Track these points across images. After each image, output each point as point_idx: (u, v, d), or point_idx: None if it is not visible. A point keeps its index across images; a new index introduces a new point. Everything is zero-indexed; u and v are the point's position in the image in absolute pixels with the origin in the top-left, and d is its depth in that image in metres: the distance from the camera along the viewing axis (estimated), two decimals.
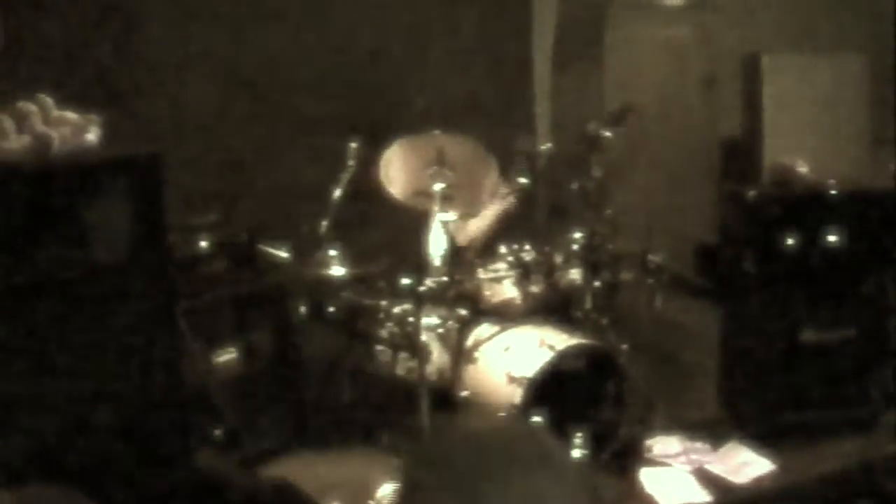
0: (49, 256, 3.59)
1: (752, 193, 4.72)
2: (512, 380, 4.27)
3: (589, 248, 4.85)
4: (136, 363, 3.67)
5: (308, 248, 4.71)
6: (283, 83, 5.79)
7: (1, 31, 4.63)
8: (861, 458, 4.54)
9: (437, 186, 4.75)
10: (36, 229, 3.59)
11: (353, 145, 4.89)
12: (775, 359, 4.70)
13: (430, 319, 4.60)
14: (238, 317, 4.74)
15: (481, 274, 4.78)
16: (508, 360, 4.39)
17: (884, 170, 4.94)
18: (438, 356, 4.61)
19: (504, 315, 4.71)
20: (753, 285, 4.70)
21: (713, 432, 4.66)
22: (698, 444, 4.57)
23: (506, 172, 5.07)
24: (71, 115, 3.89)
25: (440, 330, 4.63)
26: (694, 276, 6.49)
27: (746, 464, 4.45)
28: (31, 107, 3.84)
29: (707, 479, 4.35)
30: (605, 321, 4.86)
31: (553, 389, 4.28)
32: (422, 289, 4.55)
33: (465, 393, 4.52)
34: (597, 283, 4.84)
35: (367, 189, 4.95)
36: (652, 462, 4.45)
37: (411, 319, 4.57)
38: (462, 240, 5.02)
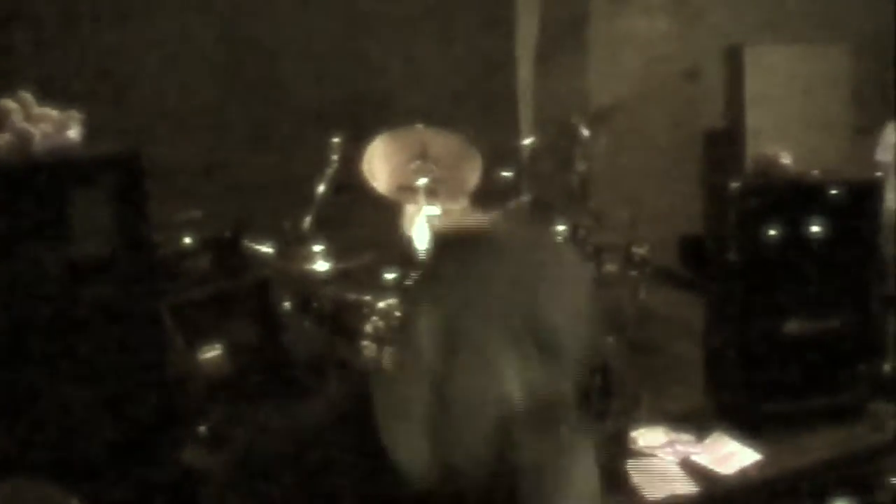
0: (30, 253, 3.58)
1: (735, 185, 4.72)
2: None
3: (573, 240, 4.85)
4: (120, 360, 3.66)
5: (292, 244, 4.71)
6: (267, 80, 5.79)
7: None
8: (846, 448, 4.55)
9: (421, 181, 4.75)
10: (17, 226, 3.58)
11: (337, 140, 4.89)
12: (760, 350, 4.70)
13: None
14: (223, 313, 4.73)
15: None
16: None
17: (867, 160, 4.95)
18: None
19: None
20: (737, 276, 4.70)
21: (698, 423, 4.66)
22: (684, 436, 4.57)
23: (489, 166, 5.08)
24: (52, 112, 3.88)
25: None
26: (678, 267, 6.50)
27: (732, 454, 4.45)
28: (11, 104, 3.83)
29: (693, 470, 4.35)
30: None
31: None
32: (406, 283, 4.55)
33: None
34: None
35: (350, 184, 4.95)
36: (638, 453, 4.45)
37: (396, 314, 4.57)
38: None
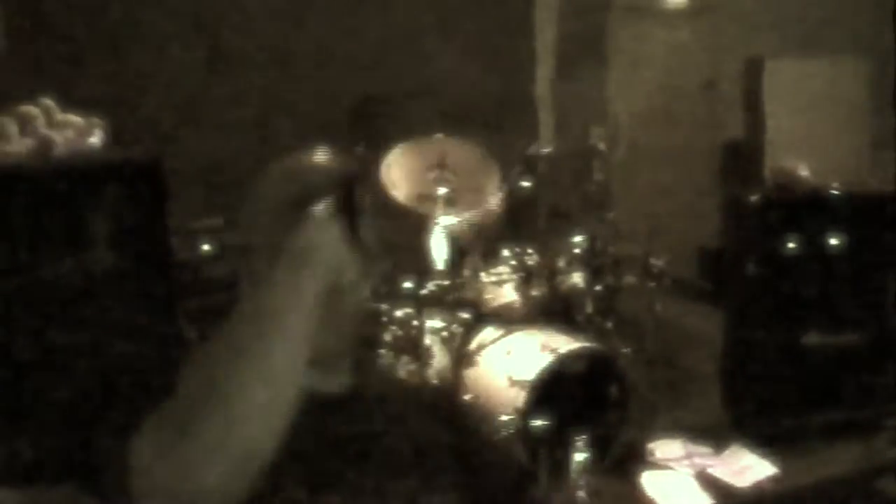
0: (51, 259, 3.59)
1: (753, 197, 4.72)
2: (513, 383, 4.27)
3: (591, 251, 4.85)
4: (138, 367, 3.67)
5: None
6: (287, 88, 5.80)
7: (3, 34, 4.64)
8: (864, 463, 4.53)
9: (440, 190, 4.75)
10: (38, 232, 3.59)
11: (357, 150, 4.90)
12: (778, 362, 4.69)
13: (431, 323, 4.60)
14: None
15: (483, 277, 4.78)
16: (510, 363, 4.38)
17: (885, 172, 4.94)
18: (440, 360, 4.61)
19: (505, 319, 4.71)
20: (755, 289, 4.69)
21: (715, 436, 4.64)
22: (700, 448, 4.56)
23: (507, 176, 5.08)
24: (74, 118, 3.90)
25: (442, 333, 4.64)
26: (696, 279, 6.49)
27: (748, 467, 4.44)
28: (34, 110, 3.85)
29: (709, 483, 4.34)
30: (606, 325, 4.86)
31: (555, 393, 4.28)
32: (423, 292, 4.55)
33: (466, 396, 4.52)
34: (598, 287, 4.84)
35: (369, 193, 4.95)
36: (654, 466, 4.44)
37: (413, 323, 4.57)
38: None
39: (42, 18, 5.05)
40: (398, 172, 4.98)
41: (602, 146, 5.02)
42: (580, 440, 4.04)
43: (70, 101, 3.88)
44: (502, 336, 4.57)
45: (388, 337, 4.73)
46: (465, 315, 4.72)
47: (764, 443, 4.55)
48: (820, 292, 4.71)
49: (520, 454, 4.22)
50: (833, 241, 4.66)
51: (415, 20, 6.20)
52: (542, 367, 4.26)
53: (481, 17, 6.46)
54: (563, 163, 5.09)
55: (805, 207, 4.69)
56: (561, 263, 4.84)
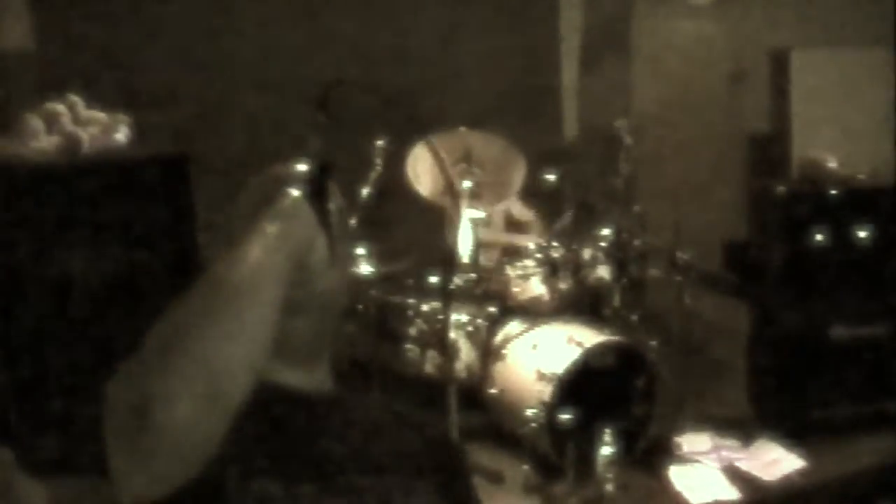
0: (77, 255, 3.61)
1: (780, 189, 4.70)
2: (541, 377, 4.27)
3: (617, 244, 4.84)
4: None
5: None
6: (313, 82, 5.80)
7: (31, 32, 4.67)
8: (892, 455, 4.51)
9: (465, 184, 4.74)
10: (65, 228, 3.61)
11: (380, 144, 4.89)
12: (805, 355, 4.67)
13: (458, 317, 4.61)
14: None
15: (509, 271, 4.77)
16: (537, 357, 4.38)
17: None
18: (467, 354, 4.61)
19: (532, 312, 4.70)
20: (783, 281, 4.68)
21: (743, 429, 4.64)
22: (728, 441, 4.56)
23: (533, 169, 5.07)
24: (100, 115, 3.92)
25: (469, 327, 4.64)
26: (723, 272, 6.47)
27: (776, 461, 4.43)
28: (60, 107, 3.88)
29: (737, 477, 4.33)
30: (633, 318, 4.85)
31: (582, 386, 4.27)
32: (450, 286, 4.55)
33: (493, 390, 4.52)
34: (625, 280, 4.83)
35: (394, 187, 4.95)
36: (681, 459, 4.43)
37: (440, 317, 4.58)
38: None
39: (68, 16, 5.07)
40: (423, 166, 4.98)
41: (627, 139, 5.00)
42: (607, 434, 4.04)
43: (96, 97, 3.90)
44: (528, 329, 4.57)
45: (413, 331, 4.74)
46: (492, 309, 4.72)
47: (792, 436, 4.53)
48: (847, 284, 4.69)
49: (546, 448, 4.22)
50: (860, 233, 4.64)
51: (440, 14, 6.19)
52: (569, 360, 4.25)
53: (505, 10, 6.45)
54: (588, 156, 5.08)
55: (832, 199, 4.66)
56: (587, 256, 4.83)
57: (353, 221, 1.64)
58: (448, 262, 4.63)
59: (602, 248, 4.85)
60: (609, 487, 4.02)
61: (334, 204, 1.69)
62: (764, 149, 5.81)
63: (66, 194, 3.62)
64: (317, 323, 1.70)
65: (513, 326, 4.65)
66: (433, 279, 4.66)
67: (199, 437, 1.43)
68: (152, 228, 3.74)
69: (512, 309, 4.75)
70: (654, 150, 5.87)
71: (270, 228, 1.55)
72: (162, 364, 1.43)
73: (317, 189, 1.64)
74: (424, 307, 4.73)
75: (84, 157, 3.80)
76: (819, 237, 4.61)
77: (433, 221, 5.01)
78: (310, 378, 1.72)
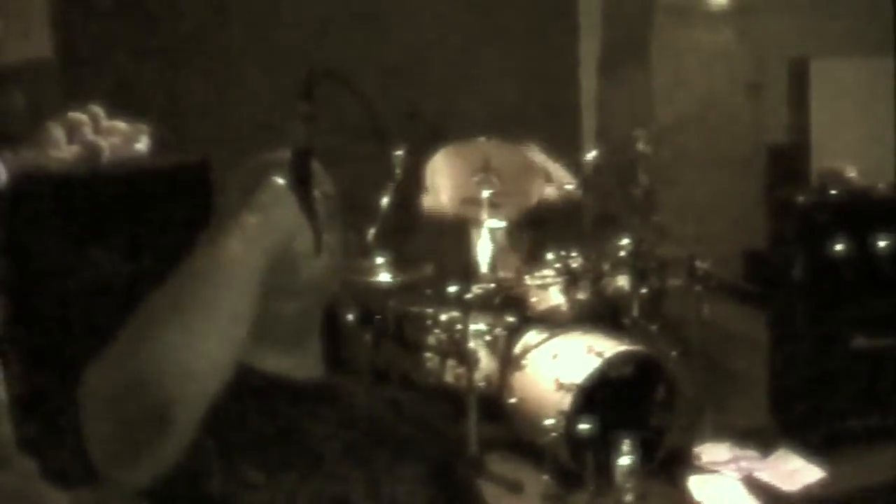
0: (99, 264, 3.62)
1: (800, 199, 4.69)
2: (560, 386, 4.26)
3: (636, 254, 4.84)
4: None
5: (356, 256, 4.72)
6: (328, 94, 5.82)
7: (50, 42, 4.69)
8: None
9: (484, 193, 4.75)
10: (86, 237, 3.62)
11: (399, 154, 4.90)
12: (825, 366, 4.66)
13: (477, 326, 4.61)
14: None
15: (528, 281, 4.77)
16: (557, 366, 4.38)
17: None
18: (486, 363, 4.61)
19: (551, 322, 4.70)
20: (803, 291, 4.67)
21: (763, 440, 4.62)
22: (748, 452, 4.54)
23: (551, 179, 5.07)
24: (121, 125, 3.94)
25: (488, 337, 4.64)
26: (742, 282, 6.46)
27: (796, 471, 4.41)
28: (81, 116, 3.90)
29: (756, 487, 4.32)
30: (653, 328, 4.85)
31: (601, 396, 4.27)
32: (469, 296, 4.56)
33: (513, 400, 4.52)
34: (644, 290, 4.83)
35: (414, 197, 4.96)
36: (701, 469, 4.42)
37: (459, 326, 4.58)
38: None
39: (90, 25, 5.10)
40: (442, 176, 4.99)
41: (647, 149, 5.00)
42: (626, 444, 4.03)
43: (118, 107, 3.91)
44: (548, 339, 4.57)
45: (433, 341, 4.74)
46: (511, 318, 4.72)
47: (812, 446, 4.52)
48: (868, 294, 4.67)
49: (565, 458, 4.22)
50: (881, 243, 4.62)
51: (460, 24, 6.20)
52: (589, 370, 4.25)
53: (525, 21, 6.45)
54: (608, 166, 5.08)
55: (852, 209, 4.65)
56: (606, 266, 4.83)
57: (337, 208, 1.66)
58: (467, 271, 4.65)
59: (621, 257, 4.85)
60: (628, 497, 4.02)
61: (320, 191, 1.71)
62: (784, 158, 5.81)
63: (87, 204, 3.64)
64: (305, 309, 1.73)
65: (532, 336, 4.65)
66: (452, 288, 4.66)
67: (176, 423, 1.45)
68: (173, 237, 3.75)
69: (531, 318, 4.75)
70: (674, 160, 5.87)
71: (251, 219, 1.57)
72: (137, 352, 1.45)
73: (300, 176, 1.66)
74: (444, 316, 4.73)
75: (105, 166, 3.82)
76: (839, 247, 4.59)
77: (452, 231, 5.02)
78: (298, 364, 1.74)
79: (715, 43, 6.88)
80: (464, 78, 6.20)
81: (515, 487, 4.34)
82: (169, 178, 3.85)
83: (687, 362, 4.78)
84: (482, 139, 5.00)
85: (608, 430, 4.16)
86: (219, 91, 5.51)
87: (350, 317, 4.82)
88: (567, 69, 6.71)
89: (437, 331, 4.74)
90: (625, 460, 4.02)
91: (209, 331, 1.47)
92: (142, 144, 4.03)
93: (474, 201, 4.80)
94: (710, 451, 4.52)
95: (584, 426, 4.13)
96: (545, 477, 4.27)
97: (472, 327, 4.56)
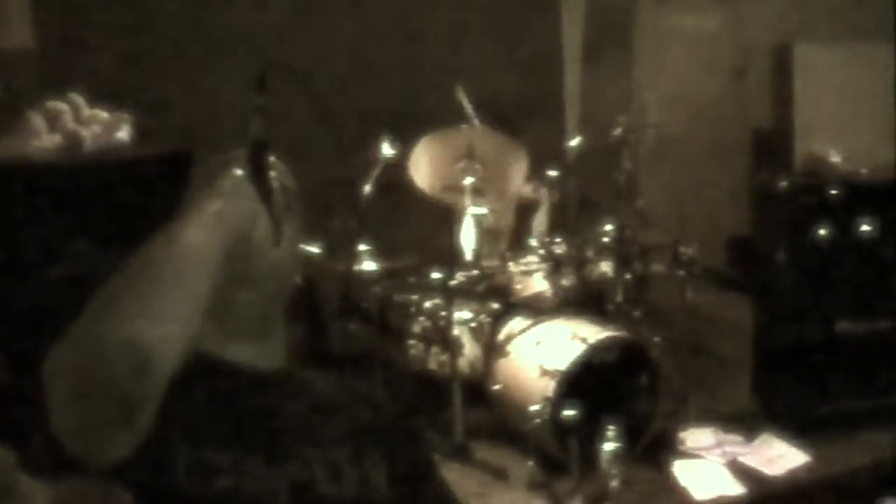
0: (80, 253, 3.61)
1: (784, 184, 4.69)
2: (544, 373, 4.27)
3: (620, 240, 4.84)
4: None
5: (339, 244, 4.71)
6: (315, 80, 5.79)
7: (33, 31, 4.67)
8: None
9: (467, 181, 4.75)
10: (67, 227, 3.61)
11: (383, 141, 4.90)
12: (809, 350, 4.67)
13: (461, 313, 4.61)
14: None
15: (512, 267, 4.77)
16: (541, 353, 4.38)
17: None
18: (470, 350, 4.61)
19: (535, 308, 4.70)
20: (786, 277, 4.67)
21: (747, 424, 4.64)
22: (732, 437, 4.55)
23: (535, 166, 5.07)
24: (102, 114, 3.92)
25: (472, 324, 4.63)
26: (726, 267, 6.46)
27: (781, 456, 4.43)
28: (62, 105, 3.87)
29: (741, 472, 4.33)
30: (637, 314, 4.85)
31: (586, 382, 4.27)
32: (452, 283, 4.55)
33: (497, 386, 4.52)
34: (628, 276, 4.83)
35: (397, 184, 4.95)
36: (685, 454, 4.44)
37: (443, 314, 4.58)
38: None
39: (70, 14, 5.07)
40: (425, 163, 4.98)
41: (630, 135, 5.00)
42: (611, 429, 4.04)
43: (99, 96, 3.89)
44: (532, 326, 4.57)
45: (417, 328, 4.74)
46: (495, 305, 4.72)
47: (796, 431, 4.53)
48: (851, 279, 4.68)
49: (550, 444, 4.22)
50: (864, 228, 4.63)
51: (444, 11, 6.19)
52: (573, 356, 4.25)
53: (508, 7, 6.44)
54: (591, 152, 5.07)
55: (836, 194, 4.65)
56: (590, 252, 4.83)
57: (293, 201, 1.72)
58: (450, 258, 4.64)
59: (605, 243, 4.85)
60: (613, 483, 4.03)
61: (280, 183, 1.73)
62: (767, 144, 5.80)
63: (69, 193, 3.62)
64: (265, 298, 1.75)
65: (516, 323, 4.65)
66: (436, 276, 4.65)
67: (135, 401, 1.46)
68: (155, 227, 3.74)
69: (515, 305, 4.75)
70: (657, 146, 5.87)
71: (210, 207, 1.60)
72: (97, 331, 1.47)
73: (256, 167, 1.69)
74: (428, 304, 4.72)
75: (86, 155, 3.80)
76: (822, 232, 4.60)
77: (436, 218, 5.01)
78: (260, 352, 1.76)
79: (698, 28, 6.88)
80: (448, 66, 6.19)
81: (500, 474, 4.34)
82: (150, 168, 3.83)
83: (671, 348, 4.79)
84: (465, 126, 4.99)
85: (593, 416, 4.17)
86: (201, 80, 5.48)
87: (333, 304, 4.81)
88: (550, 55, 6.70)
89: (421, 318, 4.72)
90: (609, 446, 4.02)
91: (166, 311, 1.49)
92: (123, 133, 4.01)
93: (457, 188, 4.79)
94: (695, 436, 4.54)
95: (568, 412, 4.14)
96: (530, 463, 4.27)
97: (457, 314, 4.55)
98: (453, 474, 4.10)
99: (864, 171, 4.74)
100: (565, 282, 4.75)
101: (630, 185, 4.99)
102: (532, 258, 4.78)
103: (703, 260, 4.95)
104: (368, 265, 4.75)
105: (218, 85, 5.48)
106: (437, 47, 6.19)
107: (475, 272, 4.71)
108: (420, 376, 4.72)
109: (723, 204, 6.38)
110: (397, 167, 4.92)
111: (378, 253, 4.79)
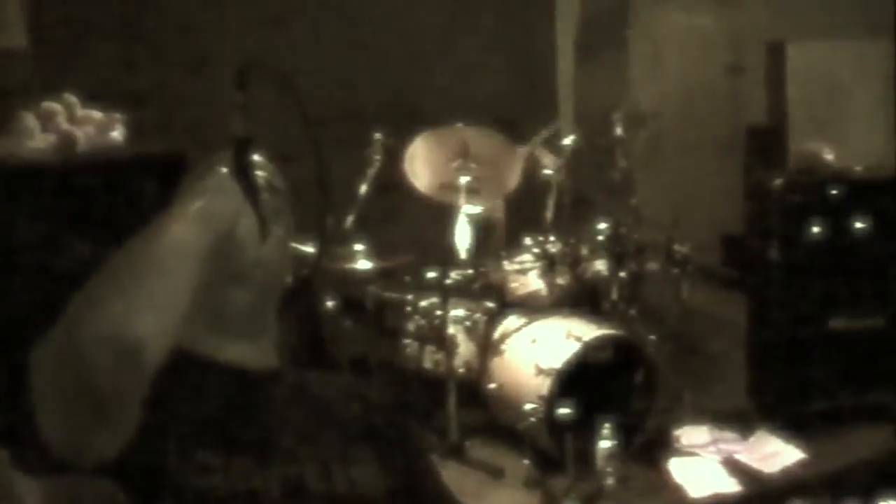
0: (72, 253, 3.60)
1: (778, 181, 4.70)
2: (540, 371, 4.27)
3: (614, 238, 4.84)
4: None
5: (334, 243, 4.71)
6: (308, 78, 5.80)
7: (25, 31, 4.66)
8: (891, 447, 4.51)
9: (463, 179, 4.74)
10: (60, 227, 3.60)
11: (378, 139, 4.90)
12: (803, 347, 4.68)
13: (456, 312, 4.61)
14: None
15: (507, 266, 4.77)
16: (536, 351, 4.39)
17: None
18: (465, 349, 4.61)
19: (530, 307, 4.71)
20: (780, 274, 4.68)
21: (742, 422, 4.64)
22: (727, 434, 4.55)
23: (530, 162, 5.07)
24: (96, 114, 3.91)
25: (467, 322, 4.64)
26: (720, 265, 6.47)
27: (775, 453, 4.43)
28: (56, 106, 3.86)
29: (736, 469, 4.33)
30: (631, 312, 4.86)
31: (581, 381, 4.28)
32: (448, 282, 4.56)
33: (492, 385, 4.52)
34: (622, 274, 4.83)
35: (392, 183, 4.95)
36: (680, 452, 4.44)
37: (438, 312, 4.58)
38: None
39: (64, 13, 5.07)
40: (420, 162, 4.98)
41: (624, 133, 5.01)
42: (606, 427, 4.04)
43: (92, 96, 3.89)
44: (527, 324, 4.57)
45: (412, 327, 4.74)
46: (490, 304, 4.72)
47: (790, 428, 4.54)
48: (845, 276, 4.69)
49: (545, 442, 4.23)
50: (857, 225, 4.64)
51: (438, 7, 6.19)
52: (568, 354, 4.26)
53: (503, 3, 6.44)
54: (585, 150, 5.07)
55: (829, 191, 4.66)
56: (585, 251, 4.84)
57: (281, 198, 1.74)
58: (446, 257, 4.64)
59: (599, 242, 4.85)
60: (609, 481, 4.03)
61: (268, 183, 1.74)
62: (761, 141, 5.80)
63: (62, 193, 3.61)
64: (254, 296, 1.75)
65: (511, 321, 4.65)
66: (431, 274, 4.66)
67: (115, 398, 1.46)
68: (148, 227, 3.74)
69: (510, 304, 4.75)
70: (652, 143, 5.86)
71: (193, 204, 1.60)
72: (80, 326, 1.47)
73: (240, 164, 1.70)
74: (423, 303, 4.73)
75: (79, 155, 3.79)
76: (816, 229, 4.61)
77: (431, 216, 5.01)
78: (250, 351, 1.76)
79: (693, 25, 6.88)
80: (442, 63, 6.19)
81: (496, 473, 4.34)
82: (144, 168, 3.82)
83: (666, 346, 4.80)
84: (460, 125, 4.99)
85: (588, 414, 4.17)
86: (195, 80, 5.48)
87: (329, 304, 4.81)
88: (545, 53, 6.70)
89: (416, 317, 4.73)
90: (605, 444, 4.03)
91: (148, 306, 1.49)
92: (117, 133, 4.00)
93: (452, 187, 4.79)
94: (690, 434, 4.54)
95: (563, 411, 4.14)
96: (525, 462, 4.27)
97: (452, 313, 4.56)
98: (449, 473, 4.10)
99: (857, 168, 4.75)
100: (560, 280, 4.76)
101: (624, 184, 4.99)
102: (527, 256, 4.79)
103: (697, 258, 4.96)
104: (363, 264, 4.75)
105: (212, 85, 5.48)
106: (432, 46, 6.19)
107: (470, 271, 4.72)
108: (415, 375, 4.72)
109: (717, 202, 6.38)
110: (393, 166, 4.92)
111: (373, 252, 4.79)
